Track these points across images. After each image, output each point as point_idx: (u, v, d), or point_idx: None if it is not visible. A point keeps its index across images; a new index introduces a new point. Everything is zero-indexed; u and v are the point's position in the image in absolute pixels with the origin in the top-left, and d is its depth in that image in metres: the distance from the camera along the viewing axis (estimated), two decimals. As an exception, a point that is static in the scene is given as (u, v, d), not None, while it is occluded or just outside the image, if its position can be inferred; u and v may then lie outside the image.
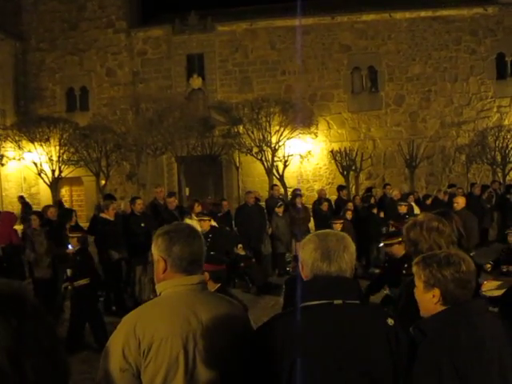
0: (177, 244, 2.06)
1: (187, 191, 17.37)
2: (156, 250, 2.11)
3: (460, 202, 8.80)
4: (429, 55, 19.25)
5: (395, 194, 12.66)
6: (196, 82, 19.89)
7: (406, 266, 4.87)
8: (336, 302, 1.94)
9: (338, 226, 9.10)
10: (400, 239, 5.51)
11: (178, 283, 2.07)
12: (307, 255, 2.03)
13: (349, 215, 10.68)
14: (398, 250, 5.66)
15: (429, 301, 2.12)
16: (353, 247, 2.07)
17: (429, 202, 12.41)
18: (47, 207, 9.71)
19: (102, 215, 8.59)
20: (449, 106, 19.29)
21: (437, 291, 2.08)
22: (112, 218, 8.52)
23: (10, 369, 0.89)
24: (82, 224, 9.86)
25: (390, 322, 1.98)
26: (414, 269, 2.18)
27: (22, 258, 9.28)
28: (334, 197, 14.63)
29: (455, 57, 19.19)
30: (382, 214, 11.45)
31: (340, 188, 13.78)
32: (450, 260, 2.08)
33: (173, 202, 9.65)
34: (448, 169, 19.42)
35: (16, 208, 18.27)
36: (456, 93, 19.24)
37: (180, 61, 20.15)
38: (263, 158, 18.04)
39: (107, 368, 1.93)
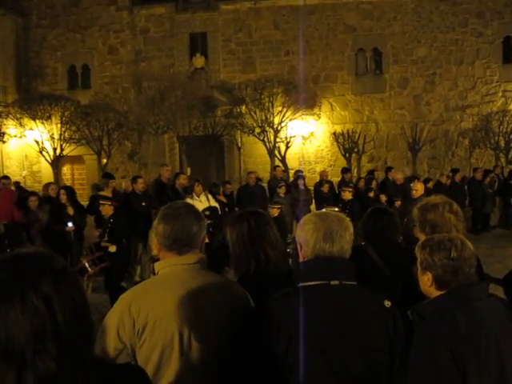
0: (161, 223, 2.08)
1: (188, 171, 17.31)
2: (153, 229, 2.15)
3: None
4: (435, 37, 19.01)
5: (398, 177, 12.60)
6: (199, 61, 19.71)
7: None
8: (333, 282, 1.93)
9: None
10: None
11: (176, 262, 2.06)
12: (308, 235, 2.01)
13: (347, 196, 10.46)
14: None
15: (425, 283, 2.13)
16: (351, 228, 2.07)
17: (430, 185, 12.34)
18: (48, 184, 9.70)
19: (102, 193, 8.59)
20: (453, 90, 19.12)
21: (429, 275, 2.08)
22: (108, 194, 8.52)
23: (45, 310, 1.12)
24: (83, 203, 9.85)
25: (387, 303, 1.97)
26: (416, 249, 2.18)
27: (23, 235, 9.29)
28: (336, 179, 14.59)
29: (461, 39, 18.96)
30: (384, 197, 11.38)
31: (344, 170, 13.71)
32: (441, 245, 2.07)
33: (183, 181, 9.67)
34: (451, 153, 19.33)
35: (17, 185, 18.27)
36: (461, 76, 19.05)
37: (183, 39, 19.95)
38: (265, 139, 17.97)
39: (103, 346, 1.93)
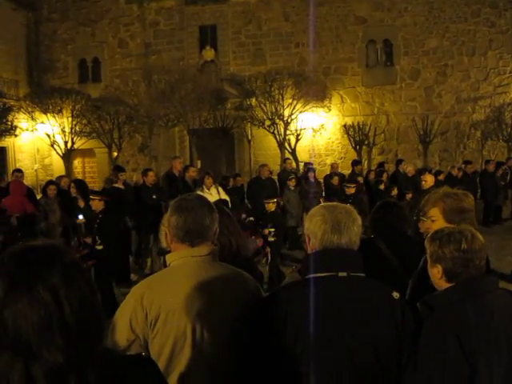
0: (174, 214, 2.08)
1: (199, 164, 17.37)
2: (164, 221, 2.16)
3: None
4: (446, 28, 18.80)
5: (409, 170, 12.52)
6: (208, 53, 19.68)
7: None
8: (340, 274, 1.94)
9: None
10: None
11: (188, 254, 2.06)
12: (316, 227, 2.02)
13: (350, 191, 10.37)
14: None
15: (435, 275, 2.12)
16: (360, 220, 2.07)
17: (441, 177, 12.26)
18: (60, 177, 9.76)
19: (114, 186, 8.71)
20: (465, 81, 18.92)
21: (439, 267, 2.07)
22: (122, 187, 8.62)
23: (52, 301, 1.13)
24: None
25: (396, 295, 1.97)
26: (425, 242, 2.17)
27: (37, 227, 9.37)
28: (346, 171, 14.53)
29: (474, 30, 18.72)
30: (395, 190, 11.31)
31: (355, 163, 13.64)
32: (451, 237, 2.05)
33: (193, 173, 9.72)
34: (462, 145, 19.16)
35: (30, 180, 18.44)
36: (473, 67, 18.83)
37: (193, 32, 19.92)
38: (275, 132, 17.93)
39: (115, 339, 1.94)
